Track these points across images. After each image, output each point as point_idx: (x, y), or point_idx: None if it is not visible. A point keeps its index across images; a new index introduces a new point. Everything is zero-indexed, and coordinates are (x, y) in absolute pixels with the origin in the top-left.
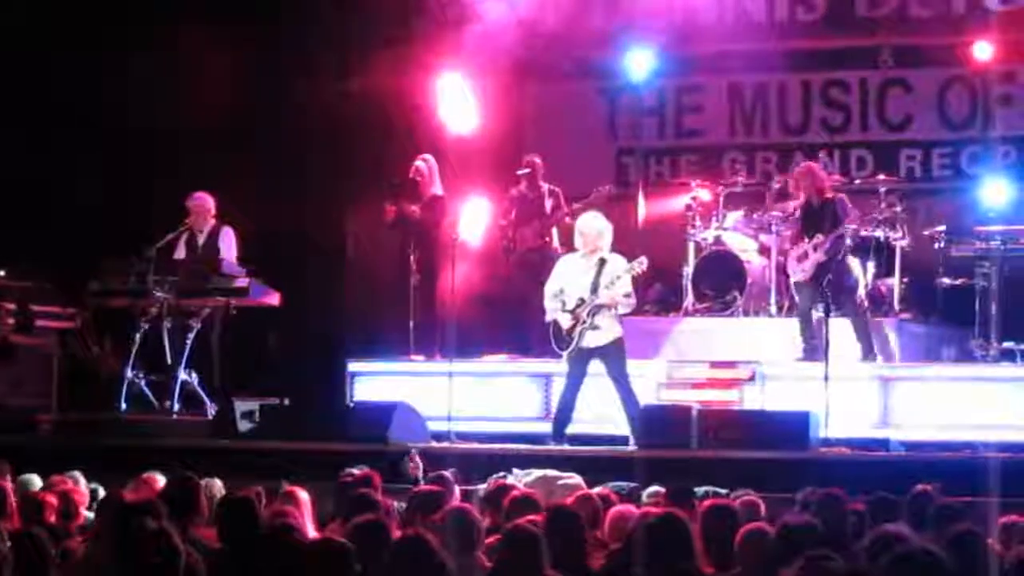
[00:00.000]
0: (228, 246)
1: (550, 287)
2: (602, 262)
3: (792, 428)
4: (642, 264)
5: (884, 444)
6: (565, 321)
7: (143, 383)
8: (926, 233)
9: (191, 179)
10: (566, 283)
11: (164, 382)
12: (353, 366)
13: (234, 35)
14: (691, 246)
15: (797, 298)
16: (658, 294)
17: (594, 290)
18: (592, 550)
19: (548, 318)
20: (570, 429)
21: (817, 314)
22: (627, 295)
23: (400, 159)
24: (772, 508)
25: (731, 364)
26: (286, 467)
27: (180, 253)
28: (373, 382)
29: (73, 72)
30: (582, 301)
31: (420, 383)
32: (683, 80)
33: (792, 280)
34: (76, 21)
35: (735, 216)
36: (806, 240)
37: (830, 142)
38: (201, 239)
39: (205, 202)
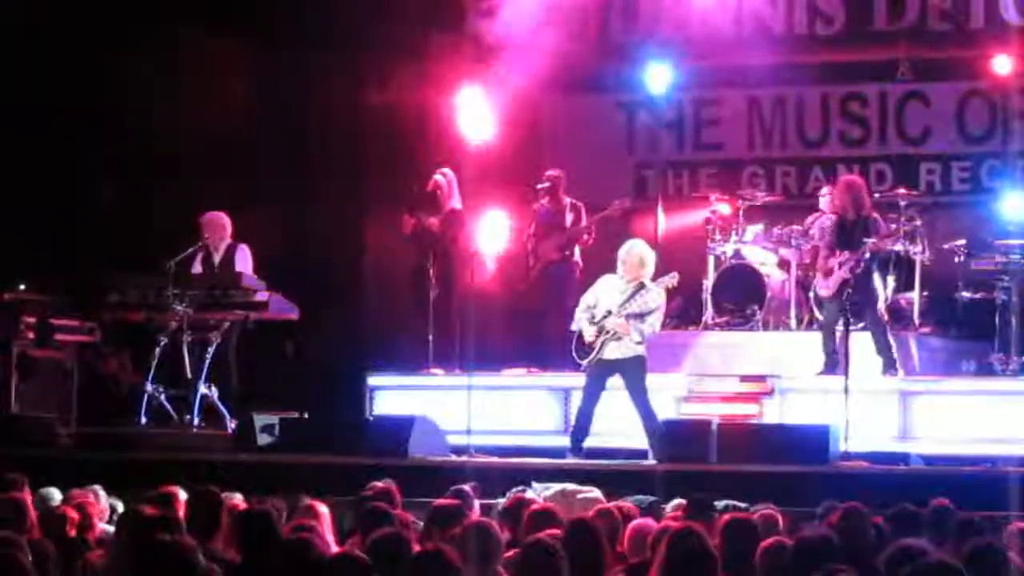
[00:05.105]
0: (244, 264)
1: (585, 299)
2: (640, 286)
3: (812, 442)
4: (674, 279)
5: (904, 458)
6: (588, 332)
7: (163, 397)
8: (946, 247)
9: (210, 192)
10: (600, 299)
11: (184, 396)
12: (372, 380)
13: (252, 45)
14: (711, 260)
15: (821, 312)
16: (678, 308)
17: (622, 304)
18: (612, 564)
19: (574, 327)
20: (589, 443)
21: (840, 329)
22: (643, 316)
23: (418, 171)
24: (792, 522)
25: (751, 378)
26: (306, 481)
27: (197, 271)
28: (392, 396)
29: (96, 82)
30: (609, 313)
31: (439, 397)
32: (702, 93)
33: (818, 293)
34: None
35: (755, 230)
36: (836, 255)
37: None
38: (217, 257)
39: (220, 220)
